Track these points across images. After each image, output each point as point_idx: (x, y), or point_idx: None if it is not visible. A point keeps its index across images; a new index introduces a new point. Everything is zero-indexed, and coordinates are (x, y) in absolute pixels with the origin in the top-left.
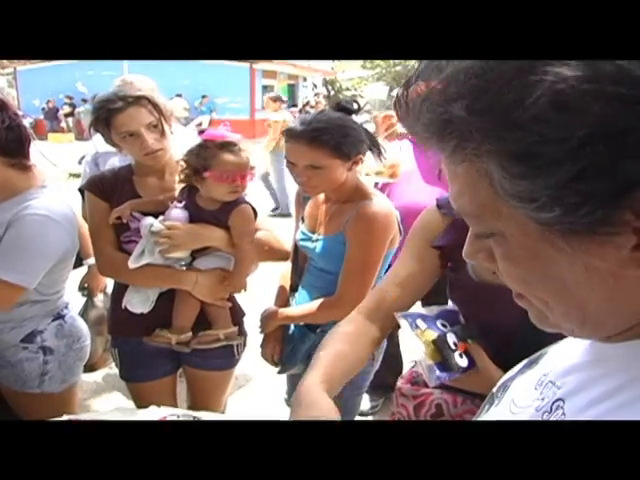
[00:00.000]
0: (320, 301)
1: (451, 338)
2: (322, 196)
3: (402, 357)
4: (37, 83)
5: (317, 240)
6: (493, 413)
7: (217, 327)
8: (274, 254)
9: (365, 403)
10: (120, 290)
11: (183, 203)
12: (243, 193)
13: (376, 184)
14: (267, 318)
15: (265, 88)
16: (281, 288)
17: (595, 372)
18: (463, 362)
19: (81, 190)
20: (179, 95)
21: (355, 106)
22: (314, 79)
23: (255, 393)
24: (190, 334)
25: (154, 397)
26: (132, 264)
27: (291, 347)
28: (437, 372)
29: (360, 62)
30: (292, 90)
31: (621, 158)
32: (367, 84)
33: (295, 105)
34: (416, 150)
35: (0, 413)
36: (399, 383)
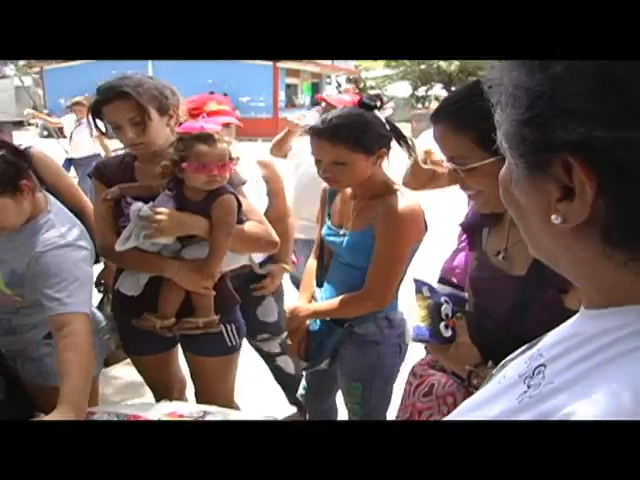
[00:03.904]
0: (347, 296)
1: (445, 310)
2: (349, 192)
3: None
4: (63, 82)
5: (344, 235)
6: (485, 389)
7: (198, 315)
8: (261, 245)
9: None
10: (119, 274)
11: (172, 192)
12: (225, 181)
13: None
14: (293, 314)
15: (288, 87)
16: (306, 283)
17: (574, 341)
18: (446, 333)
19: (90, 177)
20: (211, 93)
21: (377, 102)
22: (338, 78)
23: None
24: (173, 320)
25: (155, 369)
26: (118, 247)
27: (317, 342)
28: (416, 332)
29: (384, 61)
30: (316, 89)
31: (553, 119)
32: (391, 82)
33: (318, 104)
34: None
35: (24, 406)
36: (417, 363)
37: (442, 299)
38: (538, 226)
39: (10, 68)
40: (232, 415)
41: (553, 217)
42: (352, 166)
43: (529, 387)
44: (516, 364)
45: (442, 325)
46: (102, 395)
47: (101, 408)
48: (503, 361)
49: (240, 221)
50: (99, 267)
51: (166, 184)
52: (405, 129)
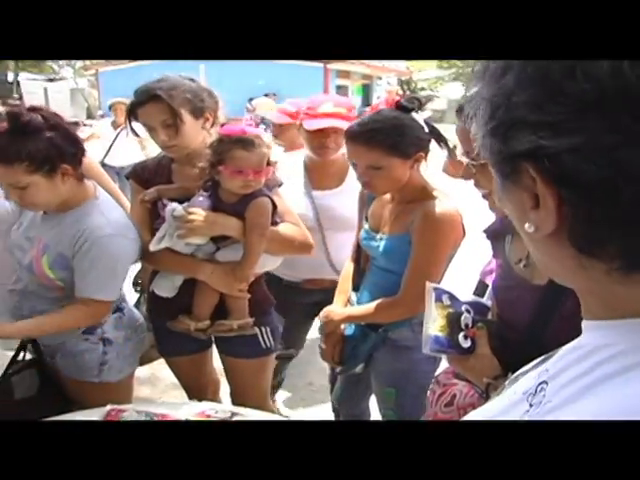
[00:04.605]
0: (382, 301)
1: (465, 320)
2: (387, 195)
3: None
4: (117, 84)
5: (381, 239)
6: (494, 402)
7: (232, 317)
8: (295, 246)
9: None
10: (154, 275)
11: (208, 193)
12: (260, 186)
13: None
14: (328, 318)
15: (339, 88)
16: (342, 287)
17: (575, 355)
18: (465, 343)
19: (127, 178)
20: (266, 95)
21: (414, 103)
22: (389, 79)
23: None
24: (207, 322)
25: (189, 370)
26: (152, 246)
27: (352, 347)
28: (431, 343)
29: (436, 62)
30: (366, 90)
31: (510, 128)
32: (443, 84)
33: (369, 105)
34: None
35: (56, 403)
36: (442, 371)
37: (463, 308)
38: (522, 234)
39: (67, 70)
40: (260, 417)
41: (527, 226)
42: (388, 170)
43: (531, 406)
44: (527, 378)
45: (461, 335)
46: (139, 394)
47: (132, 406)
48: (516, 373)
49: (275, 223)
50: (137, 267)
51: (202, 185)
52: None
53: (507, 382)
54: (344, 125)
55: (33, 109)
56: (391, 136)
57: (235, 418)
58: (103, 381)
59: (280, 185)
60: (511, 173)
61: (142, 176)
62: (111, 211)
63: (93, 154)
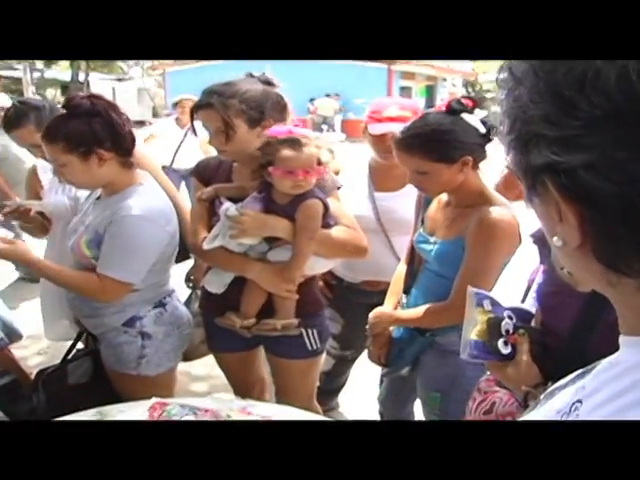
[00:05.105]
0: (432, 305)
1: (506, 326)
2: (444, 199)
3: None
4: (184, 83)
5: (435, 243)
6: (531, 415)
7: (277, 317)
8: (347, 250)
9: None
10: (207, 272)
11: (262, 194)
12: (311, 186)
13: None
14: (376, 319)
15: (403, 89)
16: (393, 289)
17: (611, 372)
18: (505, 350)
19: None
20: (328, 95)
21: (466, 105)
22: (454, 80)
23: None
24: (253, 320)
25: (236, 367)
26: (206, 245)
27: (398, 349)
28: (470, 348)
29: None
30: (431, 91)
31: (528, 142)
32: None
33: (432, 107)
34: None
35: (110, 391)
36: (484, 378)
37: (505, 314)
38: (553, 246)
39: (135, 70)
40: (301, 417)
41: (555, 239)
42: (434, 175)
43: None
44: (563, 394)
45: (501, 341)
46: (193, 389)
47: (176, 400)
48: (552, 387)
49: (328, 225)
50: (189, 264)
51: (257, 186)
52: None
53: (543, 396)
54: None
55: (90, 96)
56: (430, 141)
57: (274, 418)
58: (141, 374)
59: (339, 188)
60: (535, 186)
61: (204, 174)
62: (149, 196)
63: (156, 156)
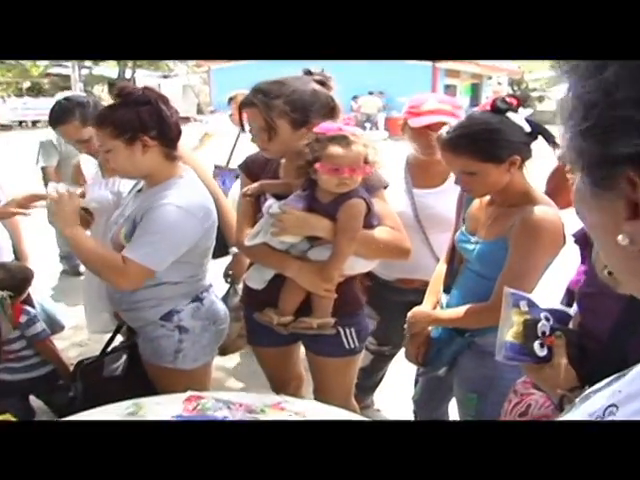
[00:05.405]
0: (472, 306)
1: (542, 328)
2: (486, 198)
3: None
4: (230, 80)
5: (476, 243)
6: (566, 419)
7: (314, 316)
8: (389, 251)
9: None
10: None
11: (306, 192)
12: (356, 185)
13: None
14: (415, 319)
15: (447, 87)
16: (433, 288)
17: None
18: (541, 352)
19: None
20: (371, 93)
21: (511, 104)
22: (499, 78)
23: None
24: (290, 317)
25: (273, 362)
26: (247, 241)
27: (436, 349)
28: (505, 350)
29: (549, 62)
30: (476, 89)
31: (611, 129)
32: (556, 84)
33: (477, 105)
34: None
35: (144, 385)
36: (520, 380)
37: (542, 315)
38: (607, 246)
39: (181, 68)
40: (335, 415)
41: (620, 238)
42: (482, 176)
43: None
44: (598, 397)
45: (537, 343)
46: (232, 385)
47: (211, 394)
48: (588, 390)
49: (371, 225)
50: (227, 259)
51: (301, 184)
52: None
53: (578, 399)
54: (451, 121)
55: (143, 88)
56: (478, 141)
57: (309, 415)
58: (178, 368)
59: (386, 187)
60: (605, 178)
61: (252, 169)
62: (188, 189)
63: (212, 155)
